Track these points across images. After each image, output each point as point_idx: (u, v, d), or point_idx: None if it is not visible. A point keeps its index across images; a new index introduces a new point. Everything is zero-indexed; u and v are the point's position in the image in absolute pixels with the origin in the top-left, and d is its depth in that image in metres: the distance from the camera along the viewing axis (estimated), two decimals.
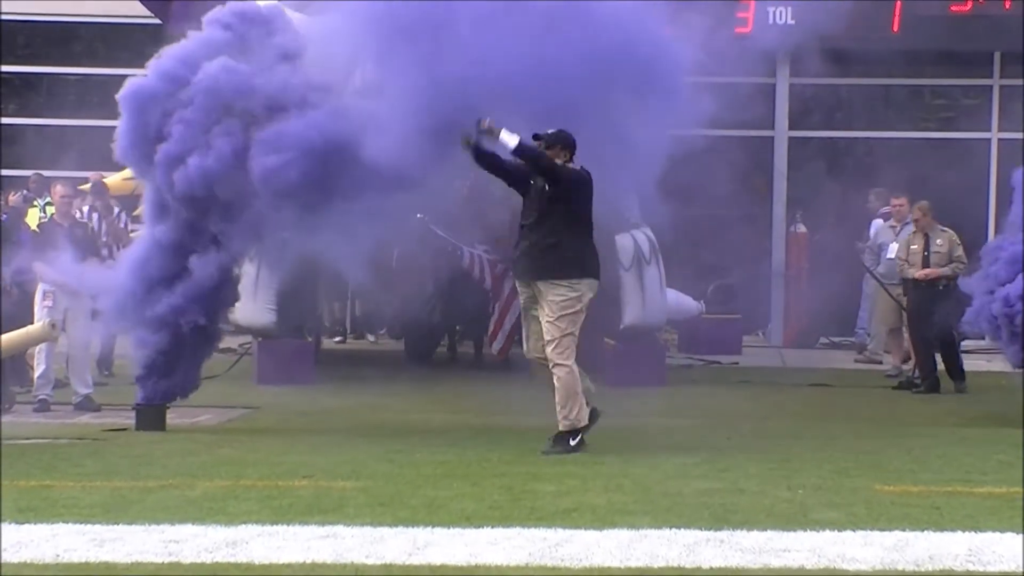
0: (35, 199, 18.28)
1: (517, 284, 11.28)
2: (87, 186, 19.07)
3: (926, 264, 15.94)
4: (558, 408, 10.87)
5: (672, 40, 12.18)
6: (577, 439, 10.84)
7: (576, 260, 10.93)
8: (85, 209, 17.52)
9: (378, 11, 11.78)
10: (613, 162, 12.23)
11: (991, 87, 22.19)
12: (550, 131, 10.97)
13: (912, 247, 16.10)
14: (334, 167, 11.66)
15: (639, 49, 11.93)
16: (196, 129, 11.83)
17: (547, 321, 10.83)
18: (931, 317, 15.83)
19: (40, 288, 13.77)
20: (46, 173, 19.28)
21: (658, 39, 12.13)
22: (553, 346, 10.82)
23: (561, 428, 10.87)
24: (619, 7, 12.06)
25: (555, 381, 10.85)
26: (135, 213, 18.11)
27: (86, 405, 13.52)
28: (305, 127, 11.69)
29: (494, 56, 11.39)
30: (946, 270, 15.83)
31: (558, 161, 10.92)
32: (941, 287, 15.90)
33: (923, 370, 16.06)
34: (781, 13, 20.05)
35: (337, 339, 20.78)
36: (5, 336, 12.71)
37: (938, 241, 15.95)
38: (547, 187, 10.86)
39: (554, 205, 10.85)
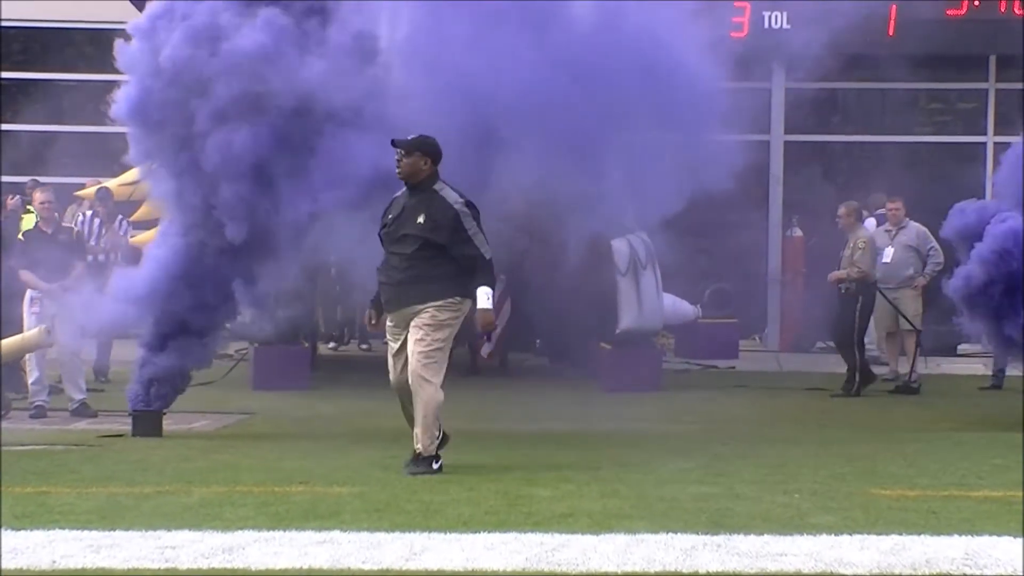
0: (29, 205, 18.29)
1: (390, 319, 10.30)
2: (85, 191, 19.10)
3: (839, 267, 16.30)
4: (420, 430, 10.04)
5: (706, 63, 12.19)
6: (439, 463, 10.07)
7: (458, 279, 10.12)
8: (88, 214, 17.52)
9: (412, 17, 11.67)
10: (631, 172, 12.25)
11: (987, 90, 22.23)
12: (410, 136, 10.21)
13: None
14: (378, 198, 11.41)
15: (673, 71, 11.91)
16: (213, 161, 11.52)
17: (423, 333, 10.00)
18: (839, 320, 16.21)
19: (28, 295, 13.80)
20: (43, 179, 19.29)
21: (692, 62, 12.12)
22: (424, 360, 9.98)
23: (424, 453, 10.04)
24: (658, 24, 12.05)
25: (419, 399, 10.02)
26: (132, 218, 18.16)
27: (82, 411, 13.52)
28: (356, 161, 11.35)
29: (525, 69, 11.37)
30: (842, 273, 16.11)
31: (421, 167, 10.14)
32: (843, 290, 16.14)
33: (851, 370, 16.17)
34: (777, 17, 20.11)
35: (332, 344, 20.76)
36: (3, 342, 12.71)
37: (850, 244, 16.15)
38: (424, 220, 10.07)
39: (435, 245, 10.07)
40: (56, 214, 14.91)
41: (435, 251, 10.07)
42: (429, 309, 10.03)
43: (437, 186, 10.21)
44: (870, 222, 19.31)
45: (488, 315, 10.10)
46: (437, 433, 10.11)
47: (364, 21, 11.64)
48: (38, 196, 14.68)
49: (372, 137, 11.24)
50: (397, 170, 10.25)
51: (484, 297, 10.05)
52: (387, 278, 10.28)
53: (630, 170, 12.32)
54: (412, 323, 10.07)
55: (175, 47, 11.55)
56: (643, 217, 14.26)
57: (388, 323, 10.37)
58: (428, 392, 10.00)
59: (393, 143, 10.22)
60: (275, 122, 11.46)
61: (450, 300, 10.07)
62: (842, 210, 16.53)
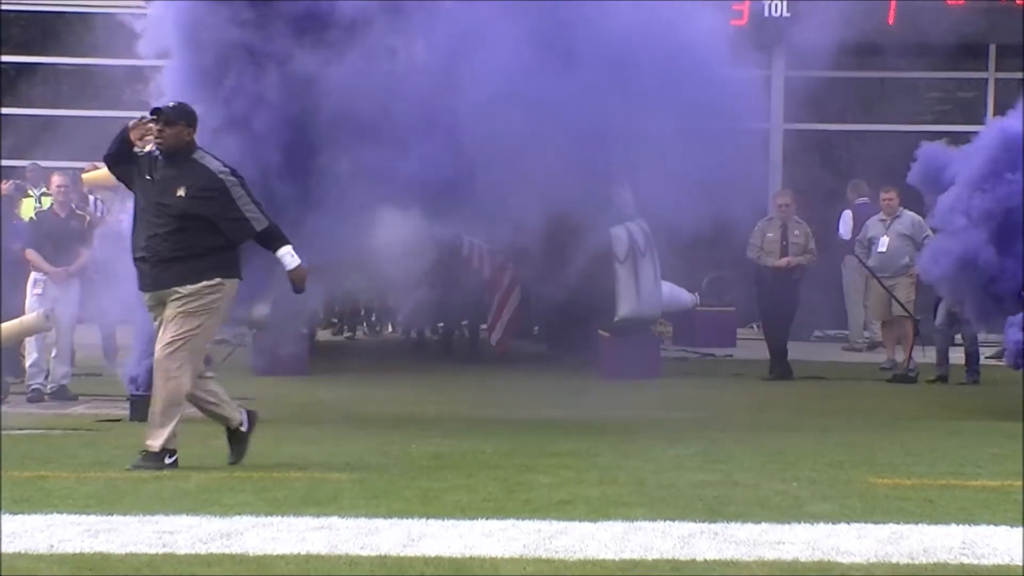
0: (29, 189, 18.26)
1: (146, 298, 9.61)
2: (87, 175, 19.07)
3: (785, 253, 16.50)
4: (159, 421, 9.38)
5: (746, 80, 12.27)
6: (173, 458, 9.44)
7: (221, 257, 9.46)
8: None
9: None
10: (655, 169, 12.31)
11: (986, 80, 22.21)
12: (170, 104, 9.62)
13: (768, 235, 16.46)
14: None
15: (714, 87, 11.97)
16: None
17: (176, 325, 9.32)
18: (783, 305, 16.56)
19: (32, 277, 13.82)
20: (43, 163, 19.28)
21: (735, 79, 12.19)
22: (173, 348, 9.29)
23: (155, 448, 9.38)
24: (686, 21, 12.08)
25: (160, 391, 9.38)
26: (129, 204, 18.12)
27: (62, 394, 13.56)
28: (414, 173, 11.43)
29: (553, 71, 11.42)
30: (803, 259, 16.47)
31: (185, 137, 9.44)
32: (796, 277, 16.55)
33: (776, 356, 16.59)
34: (777, 6, 20.11)
35: (357, 333, 20.78)
36: (2, 326, 12.72)
37: (795, 232, 16.59)
38: (185, 192, 9.35)
39: (197, 217, 9.38)
40: (72, 198, 14.95)
41: (198, 226, 9.37)
42: (187, 295, 9.35)
43: (197, 155, 9.56)
44: (846, 214, 19.43)
45: (300, 271, 9.59)
46: (176, 426, 9.45)
47: (396, 30, 11.64)
48: (55, 179, 14.71)
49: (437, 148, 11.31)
50: (157, 140, 9.47)
51: (288, 256, 9.53)
52: (144, 255, 9.48)
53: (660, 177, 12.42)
54: (168, 308, 9.41)
55: None
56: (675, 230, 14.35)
57: (146, 302, 9.67)
58: (172, 387, 9.35)
59: (153, 111, 9.51)
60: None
61: (209, 283, 9.40)
62: (780, 200, 16.96)
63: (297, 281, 9.65)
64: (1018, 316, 12.84)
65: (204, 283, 9.37)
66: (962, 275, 13.21)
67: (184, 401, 9.51)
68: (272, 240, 9.58)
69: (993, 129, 13.47)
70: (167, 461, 9.42)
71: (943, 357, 16.00)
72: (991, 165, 13.05)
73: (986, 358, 17.05)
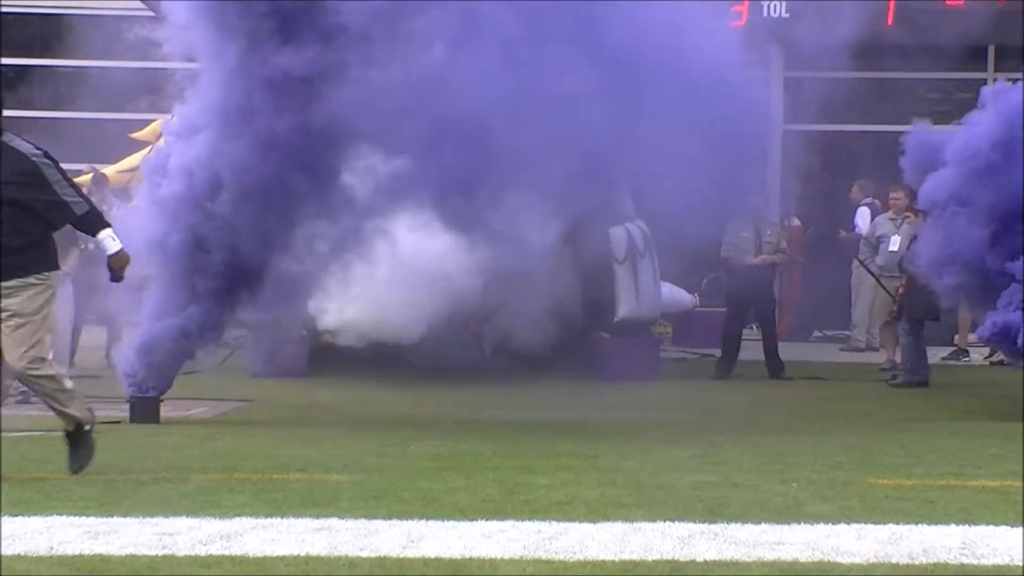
0: None
1: None
2: (85, 178, 19.10)
3: (759, 252, 16.81)
4: (64, 411, 9.16)
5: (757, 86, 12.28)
6: (90, 426, 9.28)
7: (44, 248, 9.09)
8: None
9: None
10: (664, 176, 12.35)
11: (985, 80, 22.19)
12: None
13: (742, 234, 16.77)
14: None
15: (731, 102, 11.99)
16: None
17: (24, 325, 8.92)
18: (762, 303, 16.95)
19: None
20: None
21: (749, 93, 12.21)
22: (36, 350, 8.99)
23: (71, 429, 9.25)
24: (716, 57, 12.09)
25: (45, 390, 9.14)
26: (131, 205, 18.12)
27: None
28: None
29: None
30: (776, 257, 16.95)
31: None
32: (771, 275, 17.10)
33: (728, 354, 16.85)
34: (775, 7, 20.12)
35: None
36: None
37: (768, 232, 16.89)
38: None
39: (12, 203, 8.87)
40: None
41: (14, 213, 8.88)
42: (23, 299, 8.94)
43: (5, 137, 9.05)
44: (863, 210, 19.44)
45: (122, 257, 9.22)
46: (80, 400, 9.27)
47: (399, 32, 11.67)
48: None
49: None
50: None
51: (110, 239, 9.15)
52: None
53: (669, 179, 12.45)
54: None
55: None
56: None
57: None
58: (50, 386, 9.14)
59: None
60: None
61: (39, 277, 9.03)
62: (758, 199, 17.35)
63: (117, 268, 9.25)
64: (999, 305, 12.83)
65: (33, 278, 8.98)
66: (964, 280, 13.19)
67: (63, 377, 9.27)
68: (92, 224, 9.19)
69: (992, 116, 13.30)
70: (87, 429, 9.25)
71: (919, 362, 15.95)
72: (993, 156, 12.96)
73: (984, 358, 17.07)
